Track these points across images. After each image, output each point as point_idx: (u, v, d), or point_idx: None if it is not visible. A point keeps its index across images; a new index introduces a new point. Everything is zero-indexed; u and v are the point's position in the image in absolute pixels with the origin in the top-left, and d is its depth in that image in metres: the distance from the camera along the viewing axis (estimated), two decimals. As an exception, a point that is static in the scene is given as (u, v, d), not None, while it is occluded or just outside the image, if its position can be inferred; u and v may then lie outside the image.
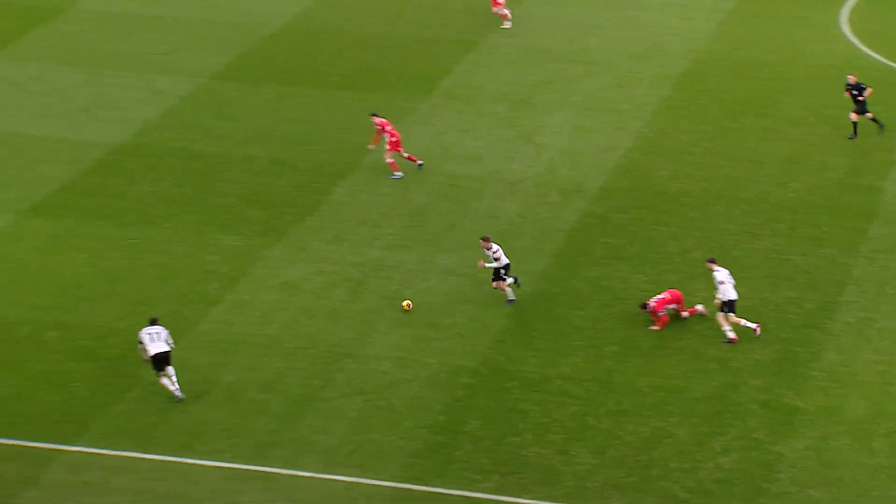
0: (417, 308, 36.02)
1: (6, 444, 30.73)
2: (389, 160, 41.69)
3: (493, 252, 35.80)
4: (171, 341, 32.39)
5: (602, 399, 32.90)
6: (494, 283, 35.98)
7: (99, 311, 35.45)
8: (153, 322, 32.48)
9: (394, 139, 41.42)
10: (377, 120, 41.68)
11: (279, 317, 35.55)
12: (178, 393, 32.13)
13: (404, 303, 35.42)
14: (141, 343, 32.18)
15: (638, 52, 50.97)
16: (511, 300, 35.95)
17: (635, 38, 52.06)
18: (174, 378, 32.21)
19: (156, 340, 32.13)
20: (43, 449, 30.62)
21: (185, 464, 30.57)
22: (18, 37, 50.27)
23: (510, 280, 36.08)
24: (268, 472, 30.37)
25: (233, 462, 30.65)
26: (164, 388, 32.21)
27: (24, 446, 30.67)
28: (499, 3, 51.93)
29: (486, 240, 36.00)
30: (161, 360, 32.11)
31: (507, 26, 51.98)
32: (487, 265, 35.87)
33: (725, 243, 39.11)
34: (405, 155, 41.96)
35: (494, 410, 32.49)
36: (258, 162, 42.82)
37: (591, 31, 52.56)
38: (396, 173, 41.71)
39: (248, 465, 30.55)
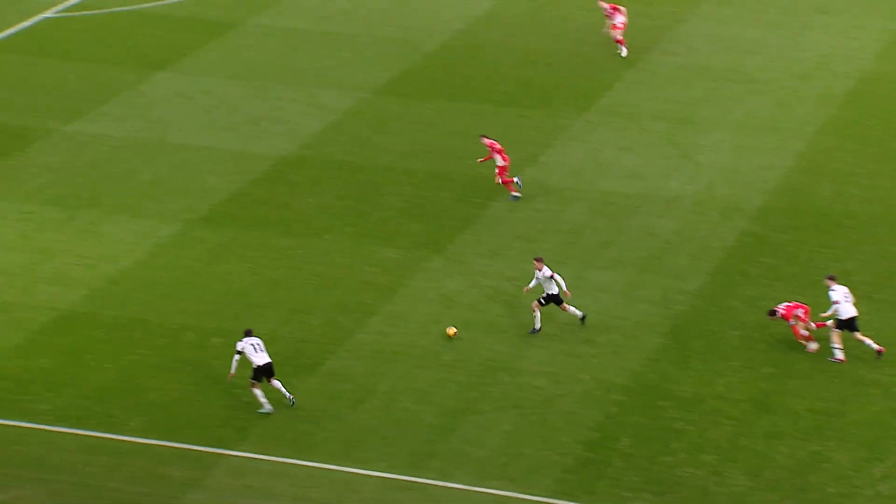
0: (571, 324, 35.79)
1: (172, 447, 31.31)
2: (504, 180, 41.16)
3: (543, 273, 34.75)
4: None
5: (757, 420, 32.29)
6: (534, 304, 35.01)
7: (260, 318, 35.89)
8: (249, 333, 32.41)
9: (502, 163, 40.86)
10: (486, 141, 41.25)
11: (435, 329, 35.63)
12: (267, 408, 32.24)
13: (450, 330, 34.68)
14: (240, 353, 32.10)
15: (801, 71, 50.06)
16: (537, 329, 34.68)
17: (799, 57, 51.15)
18: (284, 389, 32.30)
19: (258, 351, 32.12)
20: (206, 452, 31.12)
21: (342, 472, 30.80)
22: (191, 51, 51.35)
23: (578, 313, 34.96)
24: (422, 483, 30.42)
25: (388, 472, 30.78)
26: (254, 398, 32.28)
27: (189, 449, 31.21)
28: (617, 28, 50.49)
29: (539, 260, 35.04)
30: (267, 371, 32.11)
31: (624, 54, 50.46)
32: (532, 286, 34.88)
33: (891, 267, 38.13)
34: (500, 181, 41.07)
35: (647, 428, 32.11)
36: (418, 176, 43.05)
37: (754, 50, 51.79)
38: (515, 194, 41.11)
39: (402, 476, 30.64)
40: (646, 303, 36.56)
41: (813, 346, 34.44)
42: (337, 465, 30.93)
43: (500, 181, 41.21)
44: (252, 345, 32.24)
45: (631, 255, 38.91)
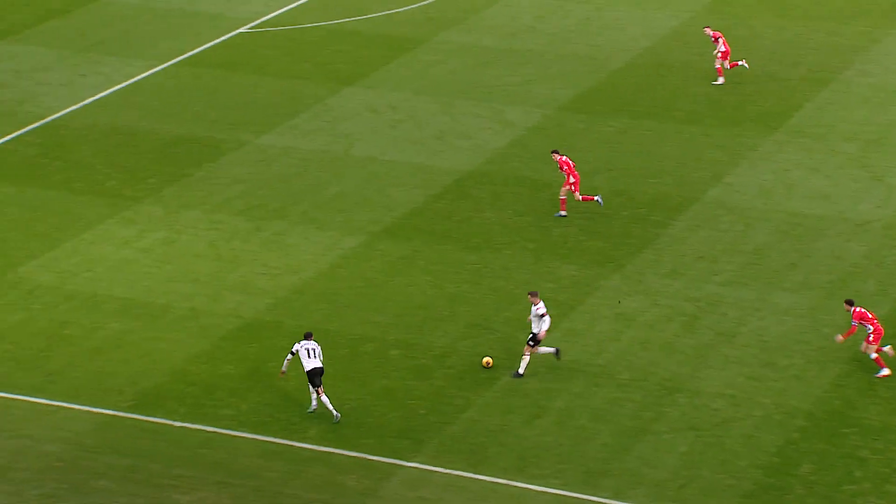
0: (752, 346, 35.19)
1: (349, 456, 31.72)
2: (562, 196, 40.86)
3: (537, 309, 33.50)
4: (322, 358, 32.65)
5: (945, 452, 31.31)
6: (525, 349, 33.70)
7: (439, 331, 36.15)
8: (308, 337, 32.77)
9: (573, 180, 40.48)
10: (557, 157, 40.82)
11: (612, 347, 35.43)
12: (313, 408, 32.70)
13: (485, 360, 34.12)
14: (293, 353, 32.55)
15: None
16: (520, 374, 33.64)
17: None
18: (327, 400, 32.54)
19: (312, 357, 32.43)
20: (382, 463, 31.45)
21: (515, 487, 30.80)
22: (380, 67, 52.02)
23: (545, 350, 33.85)
24: (596, 502, 30.23)
25: (562, 489, 30.67)
26: (321, 403, 32.65)
27: (365, 459, 31.59)
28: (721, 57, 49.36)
29: (533, 295, 33.81)
30: (315, 376, 32.42)
31: (721, 82, 49.25)
32: (535, 330, 33.56)
33: None
34: (579, 197, 40.68)
35: (830, 456, 31.38)
36: (600, 193, 42.83)
37: (951, 70, 50.35)
38: (562, 212, 40.89)
39: (576, 493, 30.50)
40: (831, 327, 35.74)
41: (887, 350, 33.61)
42: (510, 480, 30.95)
43: (579, 197, 40.71)
44: (307, 349, 32.57)
45: (817, 279, 38.11)
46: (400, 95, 49.73)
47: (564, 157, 41.00)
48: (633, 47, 53.06)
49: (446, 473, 31.15)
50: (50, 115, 47.61)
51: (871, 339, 33.73)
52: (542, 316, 33.69)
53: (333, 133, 47.15)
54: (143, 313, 36.64)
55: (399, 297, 37.70)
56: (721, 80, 49.48)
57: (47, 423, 32.22)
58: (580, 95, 49.38)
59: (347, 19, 56.13)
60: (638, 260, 39.29)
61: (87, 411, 32.74)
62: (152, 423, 32.51)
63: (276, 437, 32.22)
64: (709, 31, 49.97)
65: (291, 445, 31.98)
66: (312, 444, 32.02)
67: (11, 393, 33.05)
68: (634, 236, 40.52)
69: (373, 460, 31.48)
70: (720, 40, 49.42)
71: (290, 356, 32.77)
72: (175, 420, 32.59)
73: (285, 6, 57.46)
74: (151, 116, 47.97)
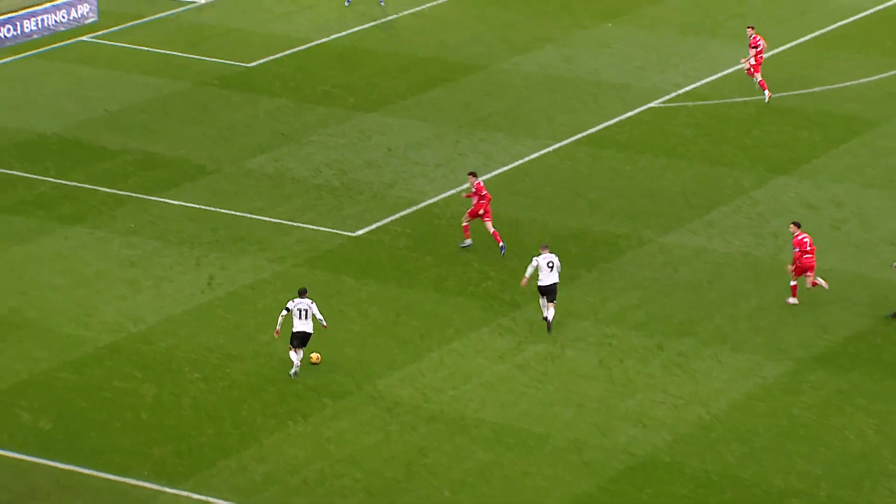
0: None
1: None
2: (465, 223, 44.71)
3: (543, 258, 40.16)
4: (319, 316, 37.50)
5: None
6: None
7: (884, 489, 34.42)
8: (302, 294, 37.45)
9: (478, 206, 44.24)
10: (473, 180, 44.40)
11: None
12: (295, 371, 37.76)
13: (313, 356, 38.13)
14: (287, 310, 37.32)
15: None
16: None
17: None
18: (298, 363, 37.61)
19: (302, 318, 37.20)
20: None
21: None
22: (822, 152, 51.16)
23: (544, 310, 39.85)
24: None
25: None
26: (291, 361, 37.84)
27: None
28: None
29: (543, 247, 40.58)
30: (300, 339, 37.44)
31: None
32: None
33: None
34: (491, 229, 44.35)
35: None
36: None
37: None
38: (466, 241, 44.70)
39: None
40: None
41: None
42: None
43: (463, 223, 44.77)
44: (299, 309, 37.30)
45: None
46: (845, 188, 48.69)
47: (480, 182, 44.60)
48: None
49: None
50: (422, 201, 48.74)
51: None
52: (550, 265, 40.19)
53: (759, 232, 46.39)
54: (516, 442, 36.64)
55: (833, 443, 36.34)
56: (767, 95, 52.24)
57: (399, 572, 32.48)
58: None
59: (786, 93, 55.43)
60: None
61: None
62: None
63: None
64: (751, 33, 53.02)
65: None
66: None
67: (363, 532, 33.57)
68: None
69: None
70: (759, 47, 52.22)
71: (284, 313, 37.57)
72: (548, 579, 32.26)
73: (708, 77, 57.33)
74: (539, 205, 48.41)
